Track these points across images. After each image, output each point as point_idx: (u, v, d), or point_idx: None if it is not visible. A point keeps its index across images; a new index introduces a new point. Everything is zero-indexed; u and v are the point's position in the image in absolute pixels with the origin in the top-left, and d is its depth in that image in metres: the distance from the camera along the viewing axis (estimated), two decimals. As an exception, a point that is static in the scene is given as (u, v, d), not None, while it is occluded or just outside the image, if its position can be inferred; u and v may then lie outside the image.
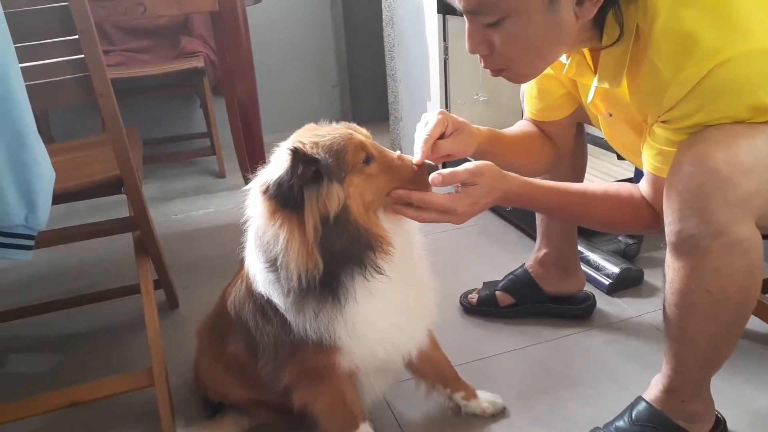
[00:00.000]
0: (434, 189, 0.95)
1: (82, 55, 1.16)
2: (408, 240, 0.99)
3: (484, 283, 1.60)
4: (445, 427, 1.20)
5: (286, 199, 0.85)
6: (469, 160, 1.01)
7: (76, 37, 1.14)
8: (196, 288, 1.75)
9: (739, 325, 0.94)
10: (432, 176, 0.94)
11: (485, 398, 1.21)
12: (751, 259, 0.87)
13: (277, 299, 0.92)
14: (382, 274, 0.89)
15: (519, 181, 1.02)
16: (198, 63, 2.74)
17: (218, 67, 2.79)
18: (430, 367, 1.16)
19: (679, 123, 0.87)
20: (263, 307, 0.97)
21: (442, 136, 1.05)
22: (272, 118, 2.62)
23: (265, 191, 0.86)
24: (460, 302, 1.59)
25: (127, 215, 1.42)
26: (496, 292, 1.54)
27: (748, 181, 0.82)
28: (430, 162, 0.96)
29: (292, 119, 1.11)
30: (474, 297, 1.57)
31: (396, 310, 0.96)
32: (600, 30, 0.92)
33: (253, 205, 0.91)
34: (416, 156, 1.00)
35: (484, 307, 1.54)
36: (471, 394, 1.20)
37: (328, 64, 3.47)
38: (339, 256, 0.88)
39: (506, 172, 1.01)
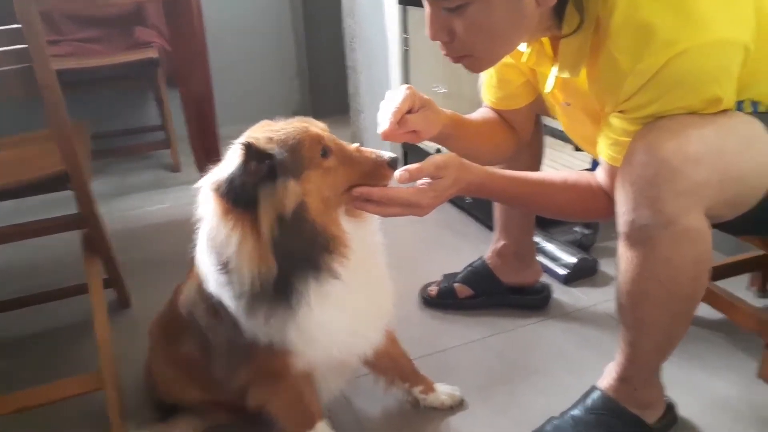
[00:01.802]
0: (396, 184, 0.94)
1: (25, 45, 1.11)
2: (367, 241, 0.96)
3: (443, 275, 1.60)
4: (404, 421, 1.19)
5: (238, 198, 0.82)
6: (428, 153, 1.00)
7: (19, 26, 1.09)
8: (150, 286, 1.69)
9: (689, 313, 0.96)
10: (398, 174, 0.93)
11: (443, 391, 1.21)
12: (701, 248, 0.88)
13: (229, 301, 0.90)
14: (337, 278, 0.87)
15: (481, 171, 1.02)
16: (152, 54, 2.67)
17: (172, 58, 2.72)
18: (389, 363, 1.16)
19: (635, 113, 0.88)
20: (215, 307, 0.94)
21: (409, 111, 1.04)
22: (229, 110, 2.57)
23: (217, 189, 0.83)
24: (420, 295, 1.59)
25: (76, 212, 1.37)
26: (455, 284, 1.54)
27: (697, 172, 0.83)
28: (392, 154, 0.94)
29: (250, 111, 1.09)
30: (434, 289, 1.57)
31: (351, 313, 0.94)
32: (560, 18, 0.92)
33: (204, 204, 0.87)
34: (381, 126, 0.99)
35: (443, 299, 1.55)
36: (429, 388, 1.20)
37: (287, 55, 3.42)
38: (294, 259, 0.85)
39: (468, 163, 1.01)
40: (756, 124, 0.89)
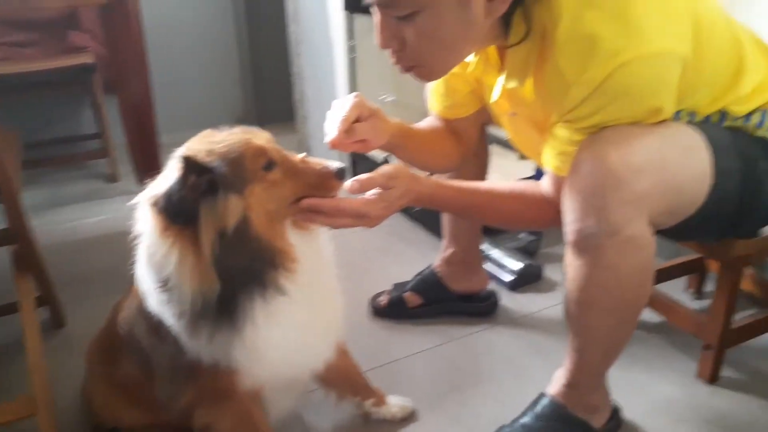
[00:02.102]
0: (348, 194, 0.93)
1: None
2: (316, 254, 0.94)
3: (393, 284, 1.59)
4: (355, 434, 1.18)
5: (177, 213, 0.79)
6: (376, 163, 0.99)
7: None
8: (86, 303, 1.62)
9: (634, 319, 0.99)
10: (349, 184, 0.92)
11: (395, 403, 1.20)
12: (645, 256, 0.91)
13: (170, 320, 0.86)
14: (284, 294, 0.85)
15: (431, 182, 1.02)
16: (87, 59, 2.56)
17: (110, 64, 2.62)
18: (340, 377, 1.14)
19: (580, 123, 0.90)
20: (157, 325, 0.90)
21: (357, 120, 1.02)
22: (170, 118, 2.50)
23: (155, 204, 0.80)
24: (370, 305, 1.57)
25: (4, 227, 1.29)
26: (405, 294, 1.54)
27: (640, 181, 0.85)
28: (340, 164, 0.93)
29: (192, 118, 1.05)
30: (384, 299, 1.56)
31: (300, 329, 0.92)
32: (507, 28, 0.93)
33: (143, 219, 0.83)
34: (329, 135, 0.97)
35: (393, 309, 1.54)
36: (380, 400, 1.19)
37: (230, 61, 3.35)
38: (238, 276, 0.82)
39: (418, 174, 1.01)
40: (694, 134, 0.93)
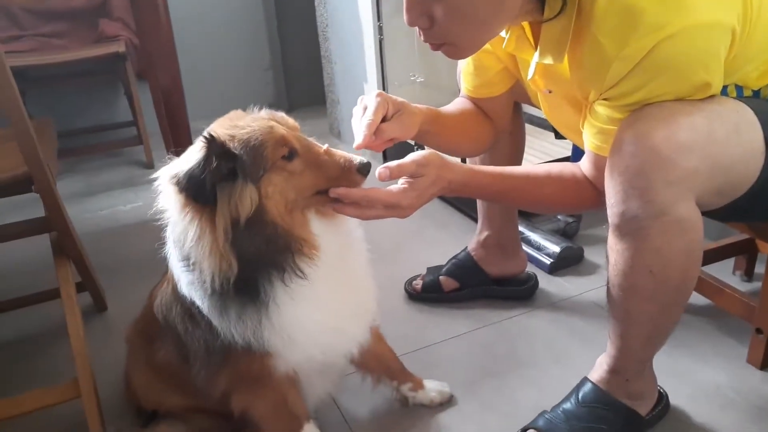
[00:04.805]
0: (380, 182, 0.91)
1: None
2: (343, 240, 0.93)
3: (428, 268, 1.57)
4: (392, 419, 1.17)
5: (197, 193, 0.79)
6: (410, 147, 0.97)
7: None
8: (126, 287, 1.65)
9: (680, 304, 0.95)
10: (379, 170, 0.90)
11: (432, 387, 1.19)
12: (691, 238, 0.87)
13: (199, 301, 0.87)
14: (304, 278, 0.85)
15: (463, 169, 0.99)
16: (119, 47, 2.58)
17: (140, 52, 2.64)
18: (375, 362, 1.13)
19: (622, 100, 0.85)
20: (190, 309, 0.91)
21: (383, 119, 1.00)
22: (202, 104, 2.50)
23: (177, 183, 0.80)
24: (405, 289, 1.56)
25: (43, 215, 1.31)
26: (440, 277, 1.52)
27: (687, 160, 0.81)
28: (363, 159, 0.90)
29: (224, 105, 1.04)
30: (418, 283, 1.54)
31: (330, 312, 0.91)
32: (541, 2, 0.89)
33: (164, 195, 0.83)
34: (357, 140, 0.95)
35: (428, 293, 1.52)
36: (418, 385, 1.18)
37: (260, 46, 3.34)
38: (254, 259, 0.82)
39: (450, 161, 0.98)
40: (744, 110, 0.87)
